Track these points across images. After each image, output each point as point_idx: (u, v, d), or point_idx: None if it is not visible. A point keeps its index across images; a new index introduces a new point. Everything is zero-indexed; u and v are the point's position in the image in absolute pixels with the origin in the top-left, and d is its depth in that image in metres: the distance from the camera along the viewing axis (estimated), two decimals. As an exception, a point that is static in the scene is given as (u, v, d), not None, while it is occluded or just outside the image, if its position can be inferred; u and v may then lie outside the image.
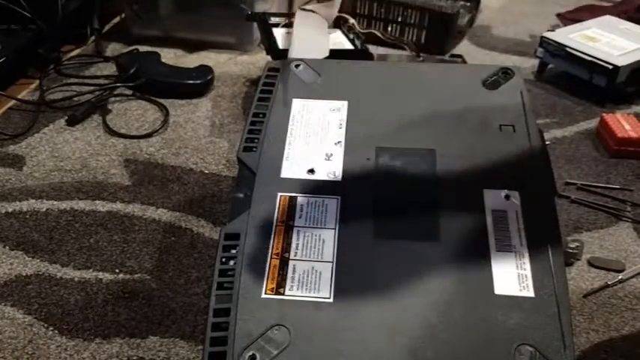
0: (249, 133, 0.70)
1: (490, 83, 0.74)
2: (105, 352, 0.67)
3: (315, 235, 0.60)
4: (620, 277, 0.76)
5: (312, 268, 0.57)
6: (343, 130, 0.69)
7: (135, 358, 0.67)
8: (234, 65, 1.22)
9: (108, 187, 0.90)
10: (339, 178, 0.65)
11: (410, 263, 0.57)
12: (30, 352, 0.67)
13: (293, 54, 1.00)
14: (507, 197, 0.62)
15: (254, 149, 0.68)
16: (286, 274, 0.57)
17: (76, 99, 1.09)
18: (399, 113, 0.71)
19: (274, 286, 0.56)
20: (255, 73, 1.19)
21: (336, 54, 1.03)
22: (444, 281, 0.56)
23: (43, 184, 0.90)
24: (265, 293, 0.56)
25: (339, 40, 1.13)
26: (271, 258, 0.58)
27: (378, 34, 1.24)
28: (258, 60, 1.24)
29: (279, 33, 1.11)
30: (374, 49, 1.19)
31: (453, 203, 0.62)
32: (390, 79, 0.76)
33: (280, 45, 1.07)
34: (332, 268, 0.57)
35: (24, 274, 0.76)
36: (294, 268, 0.57)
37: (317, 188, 0.64)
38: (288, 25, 1.12)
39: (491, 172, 0.64)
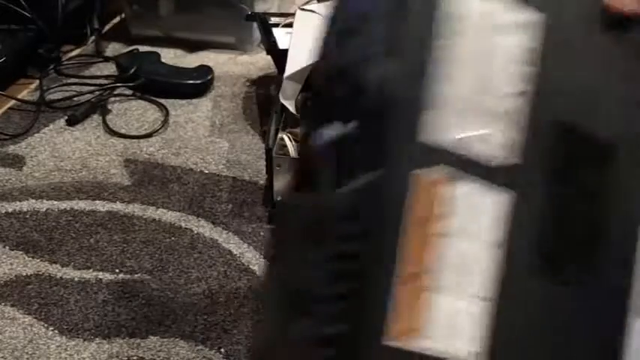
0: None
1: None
2: (105, 352, 0.67)
3: (468, 251, 0.37)
4: (620, 277, 0.76)
5: (460, 306, 0.36)
6: None
7: (135, 358, 0.67)
8: (234, 65, 1.22)
9: (108, 187, 0.90)
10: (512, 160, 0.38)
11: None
12: (30, 352, 0.67)
13: (292, 54, 1.00)
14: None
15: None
16: (423, 311, 0.36)
17: (76, 99, 1.09)
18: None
19: (405, 327, 0.35)
20: (255, 73, 1.19)
21: (336, 54, 1.03)
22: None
23: (43, 184, 0.90)
24: (391, 338, 0.35)
25: (339, 40, 1.13)
26: (399, 282, 0.36)
27: (378, 34, 1.24)
28: (258, 60, 1.24)
29: (279, 33, 1.11)
30: (374, 49, 1.19)
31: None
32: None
33: (280, 45, 1.07)
34: (487, 308, 0.36)
35: (24, 274, 0.76)
36: (435, 303, 0.36)
37: (475, 170, 0.37)
38: (288, 25, 1.12)
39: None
